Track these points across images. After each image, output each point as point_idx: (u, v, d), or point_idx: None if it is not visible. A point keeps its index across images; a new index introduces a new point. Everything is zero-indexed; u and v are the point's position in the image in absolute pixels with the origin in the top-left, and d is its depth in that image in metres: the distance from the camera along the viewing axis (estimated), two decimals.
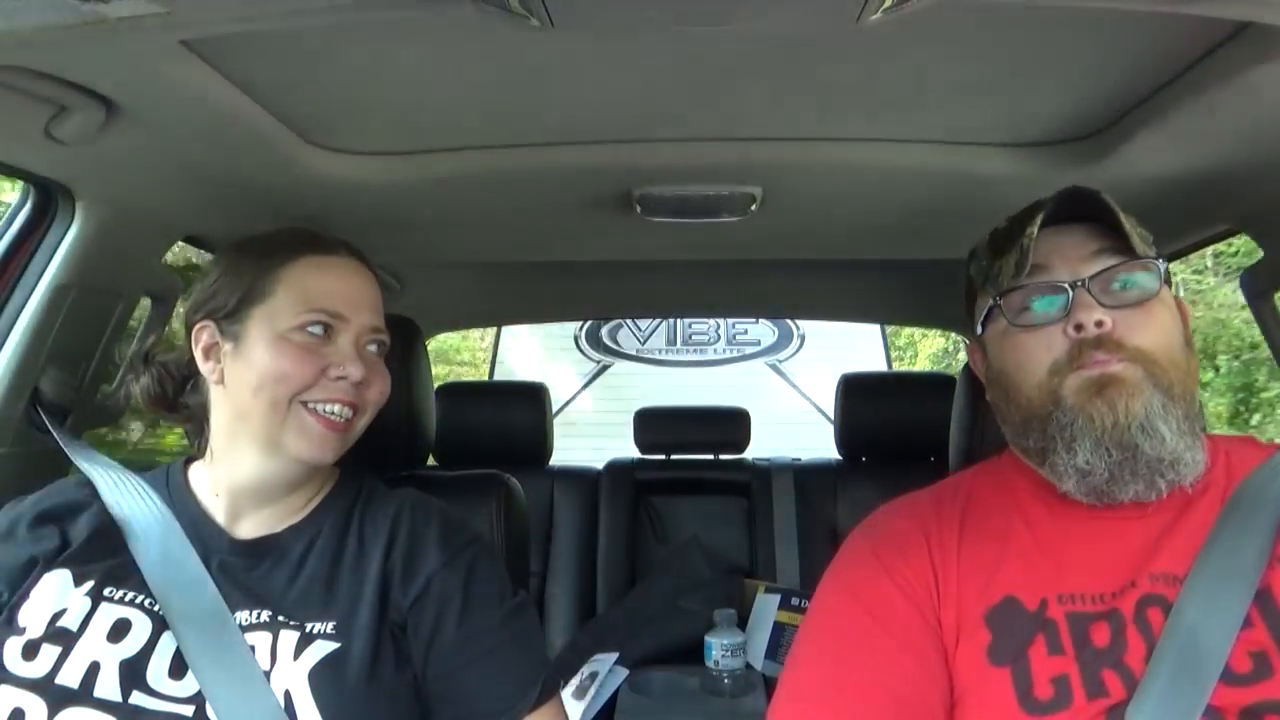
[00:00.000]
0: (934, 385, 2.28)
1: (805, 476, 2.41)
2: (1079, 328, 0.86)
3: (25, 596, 0.90)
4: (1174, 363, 0.86)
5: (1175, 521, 0.87)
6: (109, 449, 1.13)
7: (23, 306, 1.19)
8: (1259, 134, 1.09)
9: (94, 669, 0.85)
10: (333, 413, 0.95)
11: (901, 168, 1.33)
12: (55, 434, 1.15)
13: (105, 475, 1.00)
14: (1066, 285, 0.88)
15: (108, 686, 0.85)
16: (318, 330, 0.96)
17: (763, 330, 5.72)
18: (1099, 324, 0.85)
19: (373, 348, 1.00)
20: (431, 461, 2.02)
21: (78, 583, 0.91)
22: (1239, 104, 1.01)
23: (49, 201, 1.20)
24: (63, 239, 1.20)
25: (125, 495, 0.98)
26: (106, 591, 0.91)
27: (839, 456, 2.43)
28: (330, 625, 0.91)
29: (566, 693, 1.84)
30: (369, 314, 0.99)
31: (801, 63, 1.02)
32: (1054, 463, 0.88)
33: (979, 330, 0.99)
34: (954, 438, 1.41)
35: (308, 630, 0.91)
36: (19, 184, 1.19)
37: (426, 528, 1.00)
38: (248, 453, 0.97)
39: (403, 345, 1.30)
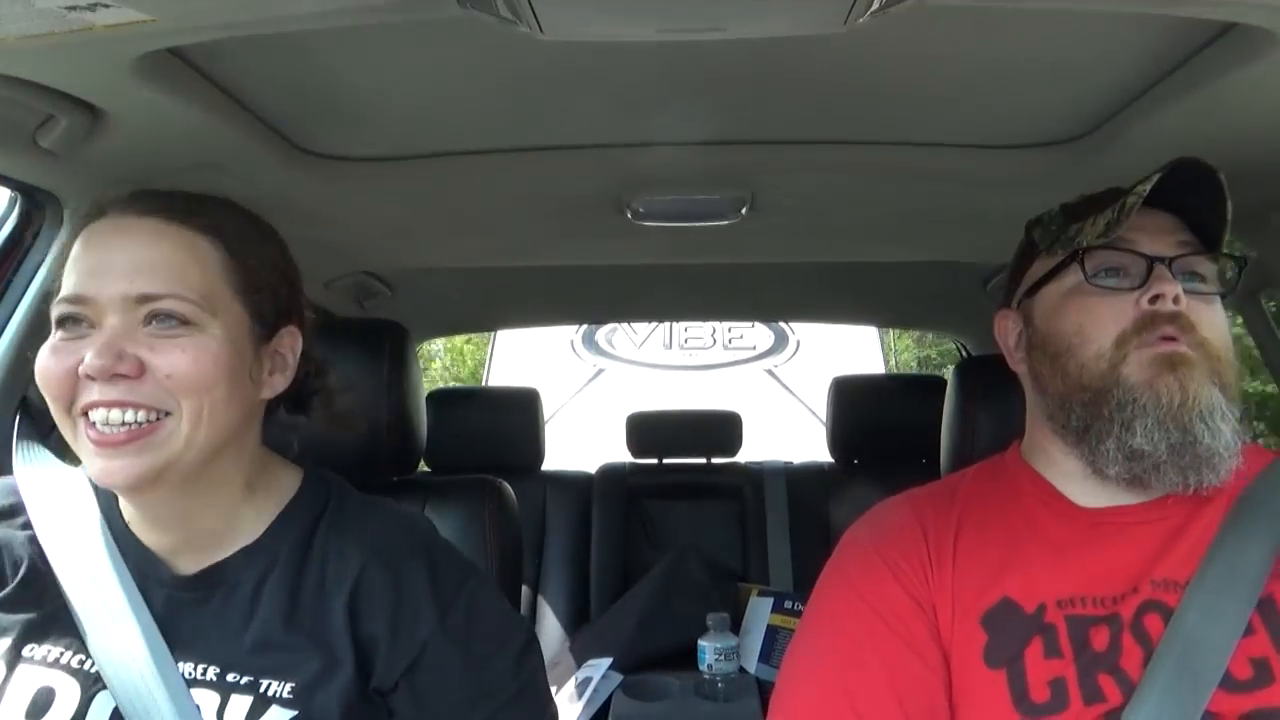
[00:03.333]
0: (926, 387, 2.28)
1: (797, 479, 2.41)
2: (1156, 299, 0.84)
3: None
4: (1230, 364, 0.86)
5: (1179, 528, 0.86)
6: None
7: (10, 316, 1.19)
8: (1245, 135, 1.10)
9: None
10: (101, 421, 0.73)
11: (889, 170, 1.34)
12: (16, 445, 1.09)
13: (46, 499, 0.85)
14: (1150, 258, 0.86)
15: None
16: (68, 323, 0.76)
17: (758, 335, 5.71)
18: (1176, 300, 0.84)
19: (153, 324, 0.75)
20: (424, 467, 2.01)
21: None
22: (1224, 105, 1.01)
23: (36, 210, 1.19)
24: (50, 248, 1.20)
25: (64, 526, 0.82)
26: (26, 651, 0.77)
27: (831, 459, 2.44)
28: (288, 688, 0.77)
29: (561, 697, 1.84)
30: (127, 280, 0.74)
31: (790, 66, 1.02)
32: (1103, 445, 0.85)
33: (1018, 300, 0.97)
34: (945, 440, 1.41)
35: (261, 691, 0.77)
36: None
37: (413, 580, 0.83)
38: None
39: (393, 350, 1.29)
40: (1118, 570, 0.85)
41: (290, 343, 0.86)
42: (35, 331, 1.19)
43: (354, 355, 1.07)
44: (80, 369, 0.73)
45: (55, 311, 0.77)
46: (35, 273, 1.20)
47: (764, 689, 1.85)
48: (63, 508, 0.84)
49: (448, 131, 1.23)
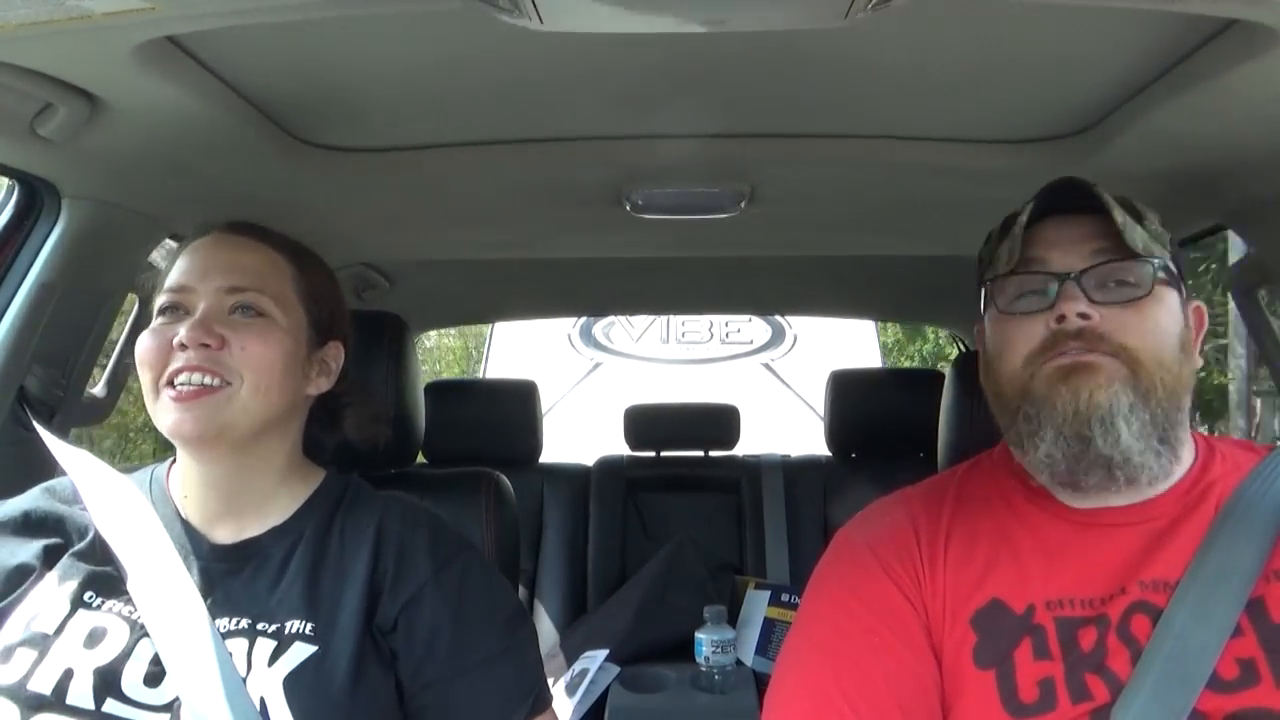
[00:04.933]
0: (924, 381, 2.29)
1: (795, 473, 2.41)
2: (1061, 319, 0.85)
3: (18, 603, 0.89)
4: (1160, 364, 0.85)
5: (1169, 528, 0.86)
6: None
7: (8, 304, 1.18)
8: (1244, 131, 1.10)
9: (68, 675, 0.84)
10: (181, 382, 0.90)
11: (889, 164, 1.34)
12: (42, 434, 1.14)
13: (91, 478, 0.98)
14: (1057, 277, 0.87)
15: (81, 693, 0.84)
16: (168, 311, 0.93)
17: (756, 329, 5.72)
18: (1083, 316, 0.84)
19: (237, 313, 0.94)
20: (421, 460, 2.02)
21: (60, 586, 0.91)
22: (1224, 101, 1.01)
23: (34, 198, 1.19)
24: (48, 236, 1.20)
25: (110, 500, 0.96)
26: (86, 597, 0.90)
27: (829, 453, 2.44)
28: (309, 626, 0.90)
29: (558, 689, 1.85)
30: (222, 276, 0.94)
31: (790, 59, 1.02)
32: (1027, 457, 0.88)
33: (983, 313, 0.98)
34: (943, 434, 1.42)
35: (285, 632, 0.89)
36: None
37: (416, 533, 0.97)
38: (179, 451, 0.97)
39: (391, 342, 1.29)
40: (1106, 571, 0.85)
41: (334, 354, 1.03)
42: (32, 320, 1.19)
43: (352, 347, 1.07)
44: (175, 340, 0.90)
45: (159, 300, 0.95)
46: (32, 261, 1.19)
47: (761, 681, 1.86)
48: (111, 490, 0.97)
49: (447, 123, 1.23)
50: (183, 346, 0.89)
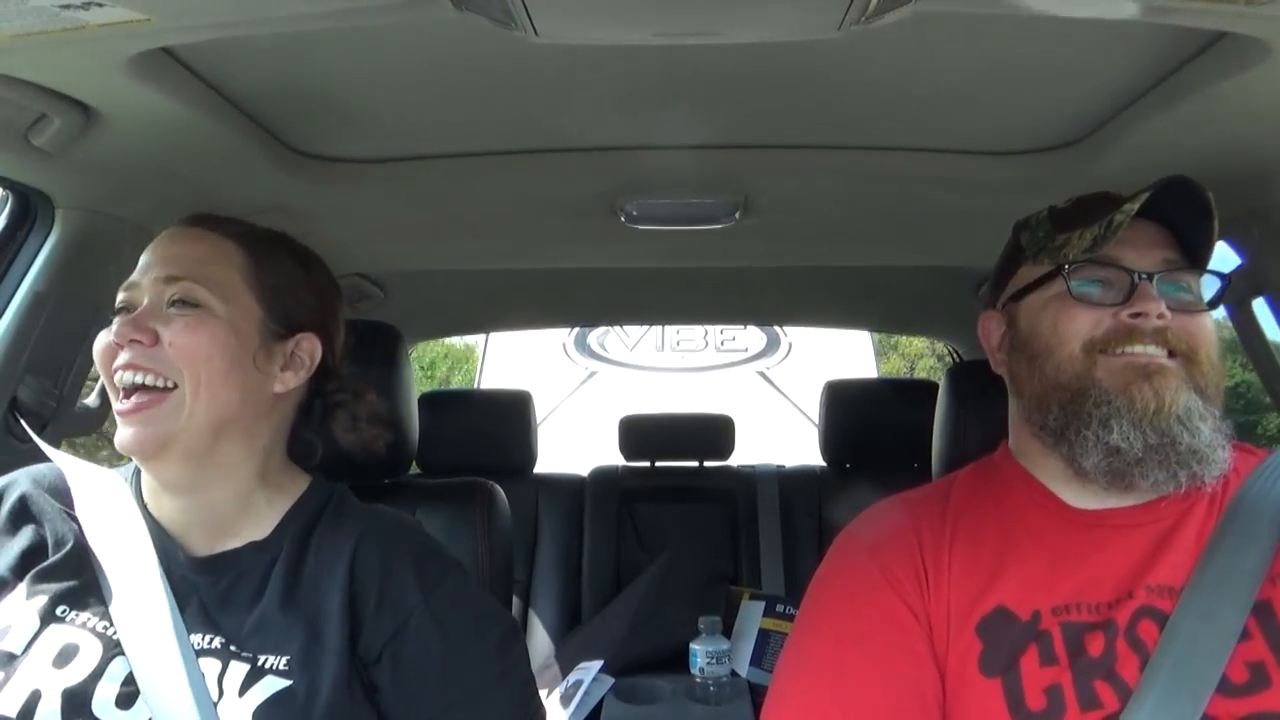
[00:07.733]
0: (918, 392, 2.29)
1: (790, 483, 2.41)
2: (1138, 315, 0.86)
3: None
4: (1213, 367, 0.87)
5: (1173, 531, 0.86)
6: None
7: (0, 314, 1.18)
8: (1237, 141, 1.10)
9: (35, 697, 0.80)
10: (120, 382, 0.86)
11: (883, 175, 1.34)
12: (36, 442, 1.13)
13: (83, 483, 0.95)
14: (1134, 273, 0.88)
15: (48, 715, 0.80)
16: (121, 311, 0.90)
17: (751, 337, 5.72)
18: (1160, 317, 0.85)
19: (175, 307, 0.88)
20: (415, 470, 2.01)
21: (29, 599, 0.87)
22: (1217, 111, 1.02)
23: (27, 208, 1.19)
24: (41, 246, 1.20)
25: (99, 504, 0.92)
26: (59, 611, 0.86)
27: (823, 463, 2.44)
28: (283, 660, 0.85)
29: (552, 701, 1.84)
30: (160, 267, 0.90)
31: (785, 71, 1.03)
32: (1082, 439, 0.86)
33: (1003, 302, 0.98)
34: (937, 444, 1.42)
35: (259, 664, 0.85)
36: None
37: (400, 557, 0.91)
38: None
39: (385, 352, 1.29)
40: (1111, 575, 0.85)
41: (308, 347, 0.96)
42: (25, 330, 1.19)
43: (346, 354, 1.07)
44: (113, 338, 0.87)
45: (116, 301, 0.92)
46: (26, 271, 1.19)
47: (756, 692, 1.86)
48: (101, 494, 0.94)
49: (441, 134, 1.23)
50: (119, 345, 0.87)
